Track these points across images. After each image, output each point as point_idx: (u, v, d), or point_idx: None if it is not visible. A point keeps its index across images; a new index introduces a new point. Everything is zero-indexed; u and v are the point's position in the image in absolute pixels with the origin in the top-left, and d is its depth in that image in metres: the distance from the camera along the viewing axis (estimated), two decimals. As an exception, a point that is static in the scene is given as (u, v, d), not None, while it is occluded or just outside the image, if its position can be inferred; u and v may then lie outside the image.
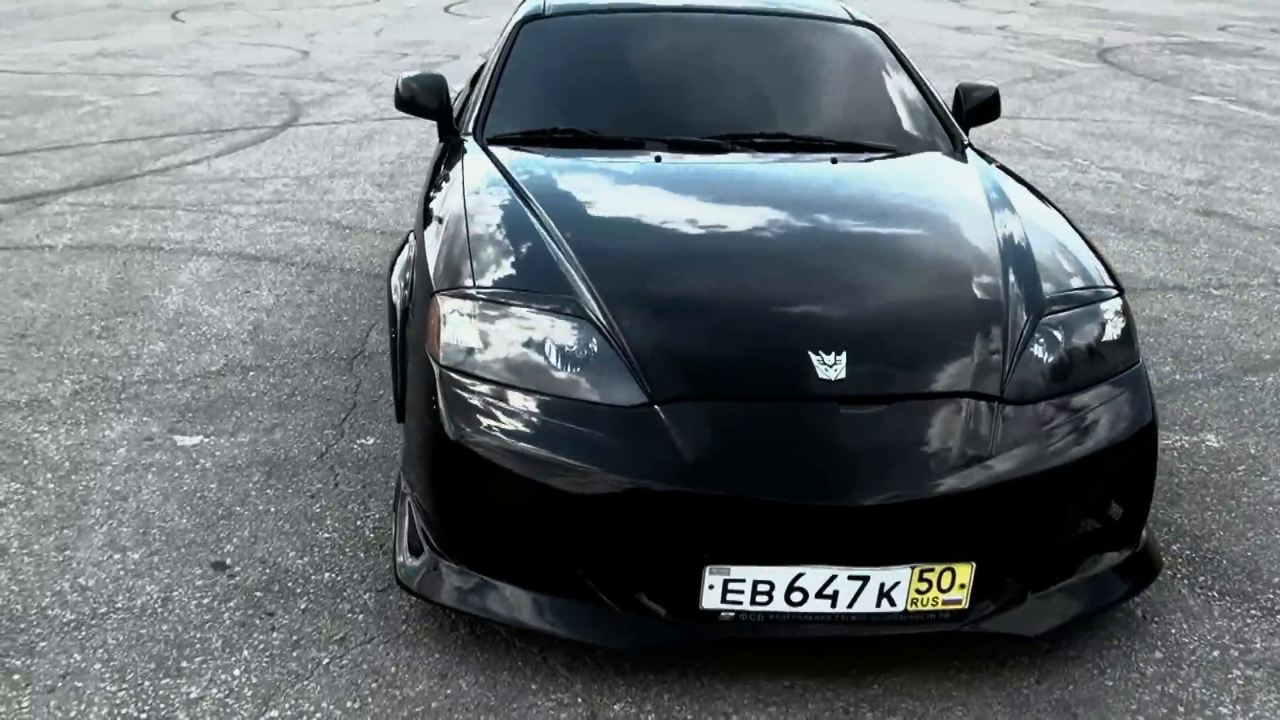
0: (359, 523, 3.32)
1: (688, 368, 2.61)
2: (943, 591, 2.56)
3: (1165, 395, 4.48)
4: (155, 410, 4.01)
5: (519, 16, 4.31)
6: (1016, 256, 3.04)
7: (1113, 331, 2.94)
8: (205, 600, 2.96)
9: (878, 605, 2.54)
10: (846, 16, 4.44)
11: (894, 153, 3.88)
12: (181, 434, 3.84)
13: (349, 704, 2.59)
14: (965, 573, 2.55)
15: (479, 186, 3.35)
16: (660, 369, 2.60)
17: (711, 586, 2.50)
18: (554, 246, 2.94)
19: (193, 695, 2.61)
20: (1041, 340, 2.81)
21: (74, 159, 7.61)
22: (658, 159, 3.61)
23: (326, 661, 2.73)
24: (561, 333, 2.68)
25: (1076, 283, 3.05)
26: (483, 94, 3.99)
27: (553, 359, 2.65)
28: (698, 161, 3.66)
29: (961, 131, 4.09)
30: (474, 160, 3.58)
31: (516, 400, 2.61)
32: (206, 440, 3.80)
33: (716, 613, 2.53)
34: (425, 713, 2.57)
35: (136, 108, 9.46)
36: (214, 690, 2.63)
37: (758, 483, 2.45)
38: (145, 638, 2.81)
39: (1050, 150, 8.86)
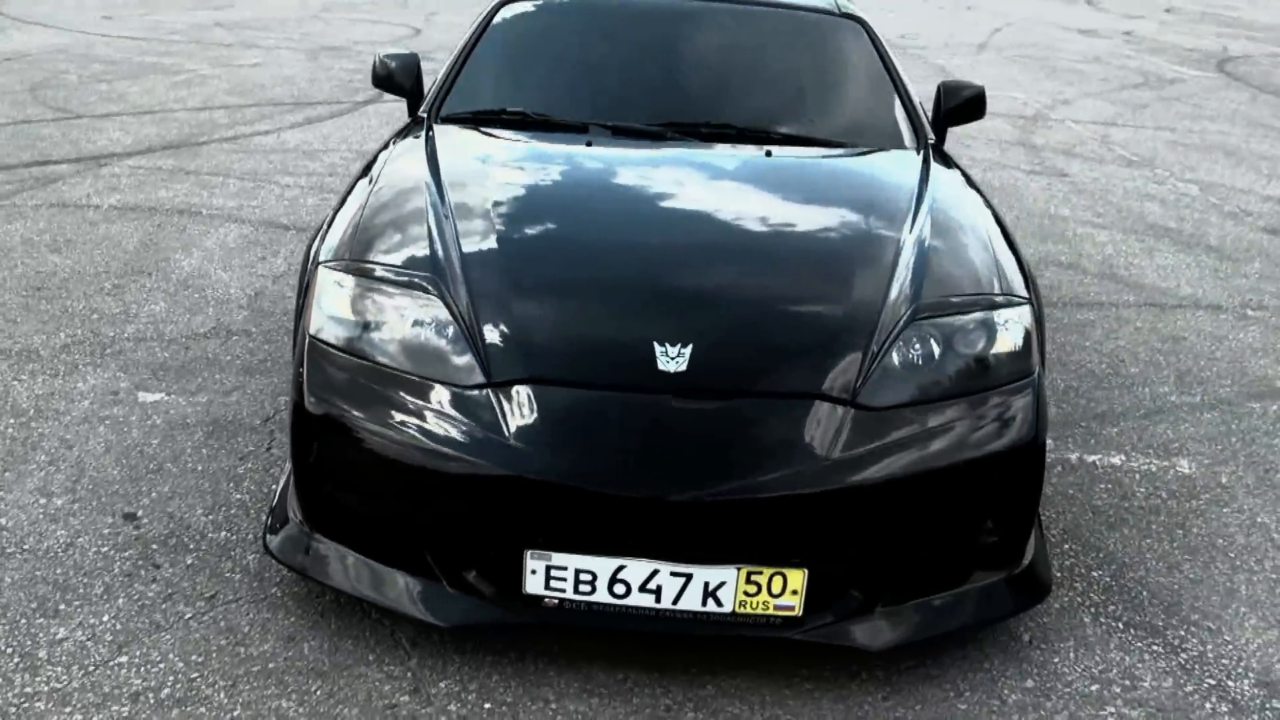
0: (274, 486, 3.42)
1: (530, 352, 2.63)
2: (774, 596, 2.52)
3: (1152, 416, 4.29)
4: (131, 367, 4.19)
5: None
6: (916, 260, 2.96)
7: (1007, 341, 2.83)
8: (104, 549, 3.09)
9: (703, 604, 2.52)
10: (832, 8, 4.37)
11: (842, 147, 3.81)
12: (146, 390, 4.01)
13: (194, 658, 2.69)
14: (797, 579, 2.51)
15: (398, 164, 3.43)
16: (503, 352, 2.63)
17: (534, 571, 2.51)
18: (440, 227, 2.98)
19: (59, 636, 2.75)
20: (916, 345, 2.73)
21: (152, 124, 7.95)
22: (588, 143, 3.62)
23: (189, 616, 2.83)
24: (419, 312, 2.73)
25: (980, 290, 2.95)
26: (447, 74, 4.06)
27: (408, 337, 2.70)
28: (627, 148, 3.66)
29: (929, 130, 3.99)
30: (409, 139, 3.65)
31: (371, 375, 2.67)
32: (166, 398, 3.96)
33: (540, 598, 2.55)
34: (261, 672, 2.65)
35: (232, 78, 9.83)
36: (79, 633, 2.76)
37: (578, 470, 2.46)
38: (38, 579, 2.96)
39: (1133, 159, 8.52)
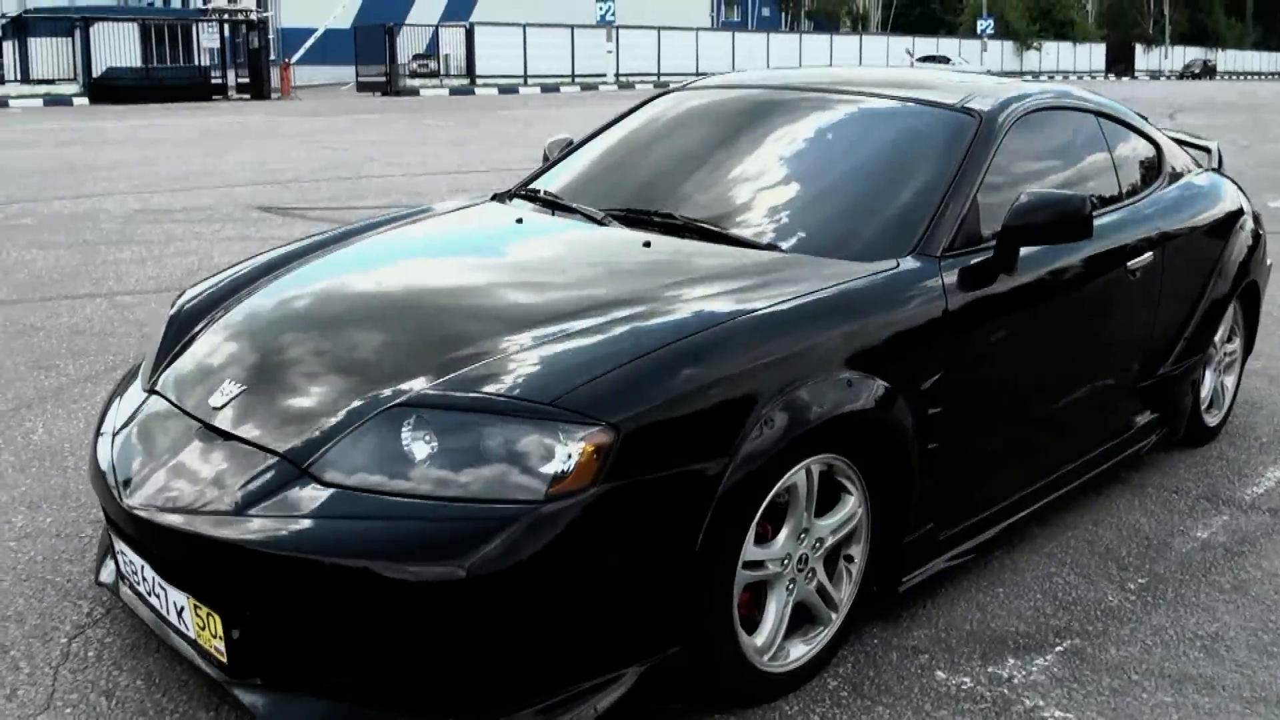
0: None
1: (171, 370, 3.16)
2: (214, 637, 2.61)
3: None
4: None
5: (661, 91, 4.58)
6: (542, 360, 2.73)
7: (516, 454, 2.48)
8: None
9: (179, 621, 2.71)
10: (954, 103, 3.76)
11: (768, 249, 3.35)
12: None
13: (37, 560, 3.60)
14: (218, 624, 2.58)
15: (365, 220, 4.14)
16: (167, 370, 3.18)
17: (119, 554, 2.92)
18: (278, 264, 3.63)
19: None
20: (404, 431, 2.57)
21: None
22: (519, 220, 3.83)
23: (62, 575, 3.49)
24: (173, 328, 3.43)
25: (542, 399, 2.57)
26: (552, 157, 4.42)
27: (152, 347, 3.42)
28: (549, 227, 3.78)
29: (941, 244, 3.29)
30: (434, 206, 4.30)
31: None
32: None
33: (126, 579, 2.95)
34: (47, 582, 3.40)
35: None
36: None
37: (104, 470, 2.90)
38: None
39: None
